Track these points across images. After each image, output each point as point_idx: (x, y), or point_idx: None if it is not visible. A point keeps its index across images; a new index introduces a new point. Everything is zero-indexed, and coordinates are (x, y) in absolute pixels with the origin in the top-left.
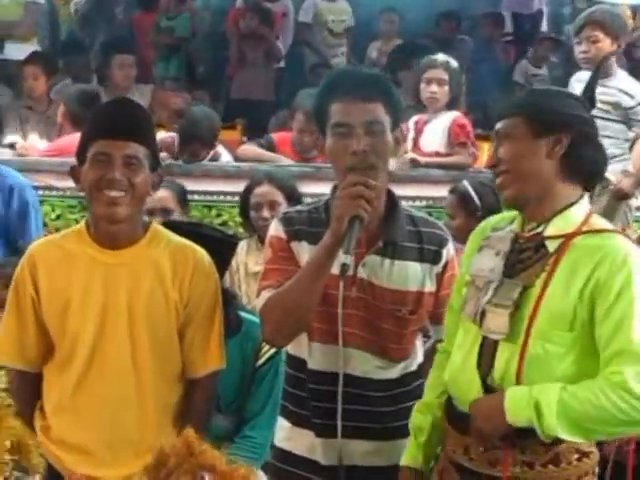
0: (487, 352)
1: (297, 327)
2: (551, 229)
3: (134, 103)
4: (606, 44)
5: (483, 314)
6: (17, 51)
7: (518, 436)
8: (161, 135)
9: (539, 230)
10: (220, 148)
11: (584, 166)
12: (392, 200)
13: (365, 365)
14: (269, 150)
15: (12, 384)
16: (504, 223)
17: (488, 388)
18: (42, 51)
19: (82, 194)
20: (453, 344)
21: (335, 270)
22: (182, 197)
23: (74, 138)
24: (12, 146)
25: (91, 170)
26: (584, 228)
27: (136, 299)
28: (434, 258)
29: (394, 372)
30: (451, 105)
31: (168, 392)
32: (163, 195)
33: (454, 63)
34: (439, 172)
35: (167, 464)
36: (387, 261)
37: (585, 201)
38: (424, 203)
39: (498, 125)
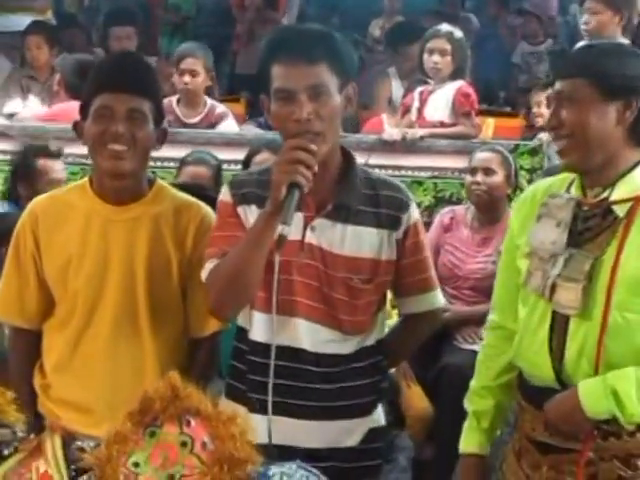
0: (559, 328)
1: (241, 298)
2: (618, 193)
3: (137, 57)
4: (606, 16)
5: (553, 288)
6: None
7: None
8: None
9: (605, 195)
10: (225, 110)
11: None
12: (348, 161)
13: (315, 338)
14: (268, 128)
15: (10, 342)
16: (557, 188)
17: (558, 368)
18: (44, 21)
19: (84, 160)
20: (508, 318)
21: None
22: (217, 174)
23: (68, 106)
24: (12, 116)
25: (94, 124)
26: None
27: (135, 256)
28: (393, 223)
29: (348, 346)
30: (455, 75)
31: (168, 351)
32: (197, 171)
33: (458, 33)
34: (444, 142)
35: (152, 408)
36: (339, 225)
37: None
38: (429, 173)
39: (558, 85)
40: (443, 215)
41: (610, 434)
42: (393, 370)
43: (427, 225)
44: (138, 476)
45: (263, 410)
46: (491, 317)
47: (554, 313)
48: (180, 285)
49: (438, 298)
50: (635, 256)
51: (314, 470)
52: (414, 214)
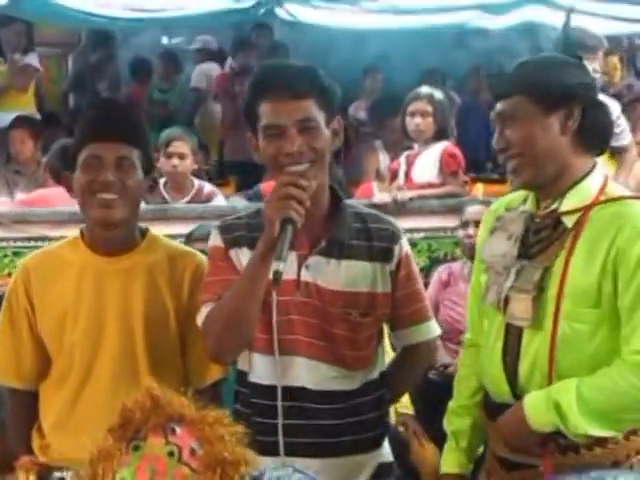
0: (513, 341)
1: (240, 340)
2: (567, 204)
3: (124, 105)
4: None
5: (506, 300)
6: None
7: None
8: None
9: (554, 206)
10: (214, 188)
11: (597, 134)
12: (337, 197)
13: (317, 375)
14: (257, 200)
15: (7, 405)
16: (517, 203)
17: (513, 382)
18: (26, 115)
19: None
20: (481, 336)
21: None
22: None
23: (50, 192)
24: None
25: (82, 174)
26: (601, 197)
27: (131, 307)
28: (385, 256)
29: (354, 382)
30: (439, 136)
31: None
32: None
33: (439, 95)
34: (434, 202)
35: (133, 420)
36: (333, 261)
37: (599, 168)
38: (422, 235)
39: (499, 106)
40: (440, 272)
41: (568, 448)
42: (400, 427)
43: (424, 286)
44: None
45: (273, 452)
46: (466, 336)
47: (508, 326)
48: (178, 335)
49: (434, 328)
50: (581, 267)
51: (311, 474)
52: (405, 246)
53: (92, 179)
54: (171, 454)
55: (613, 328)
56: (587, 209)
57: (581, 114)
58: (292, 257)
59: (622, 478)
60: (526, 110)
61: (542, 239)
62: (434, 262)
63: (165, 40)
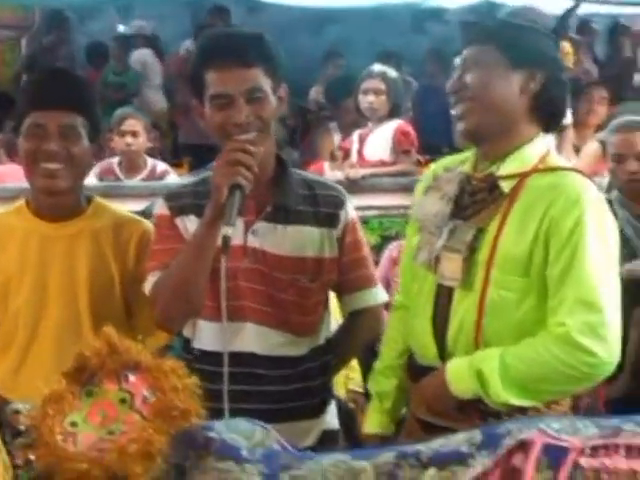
0: (443, 302)
1: (188, 307)
2: (505, 168)
3: (69, 72)
4: None
5: (437, 260)
6: None
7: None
8: (102, 163)
9: (493, 170)
10: (167, 167)
11: (551, 108)
12: (282, 164)
13: (266, 341)
14: None
15: None
16: (455, 164)
17: (440, 344)
18: None
19: None
20: (410, 297)
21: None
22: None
23: (7, 167)
24: None
25: (26, 142)
26: (540, 166)
27: (76, 272)
28: (331, 221)
29: (301, 348)
30: (392, 114)
31: None
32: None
33: (392, 73)
34: (387, 181)
35: (88, 365)
36: (280, 227)
37: (542, 140)
38: (375, 212)
39: (466, 52)
40: (391, 249)
41: (489, 414)
42: (351, 404)
43: (375, 263)
44: (76, 435)
45: (218, 418)
46: (396, 297)
47: (439, 287)
48: (123, 300)
49: (380, 294)
50: (514, 234)
51: (264, 425)
52: (351, 212)
53: (35, 148)
54: (123, 401)
55: (540, 298)
56: (524, 176)
57: (543, 83)
58: (239, 223)
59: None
60: (491, 58)
61: (477, 201)
62: (386, 240)
63: (121, 28)
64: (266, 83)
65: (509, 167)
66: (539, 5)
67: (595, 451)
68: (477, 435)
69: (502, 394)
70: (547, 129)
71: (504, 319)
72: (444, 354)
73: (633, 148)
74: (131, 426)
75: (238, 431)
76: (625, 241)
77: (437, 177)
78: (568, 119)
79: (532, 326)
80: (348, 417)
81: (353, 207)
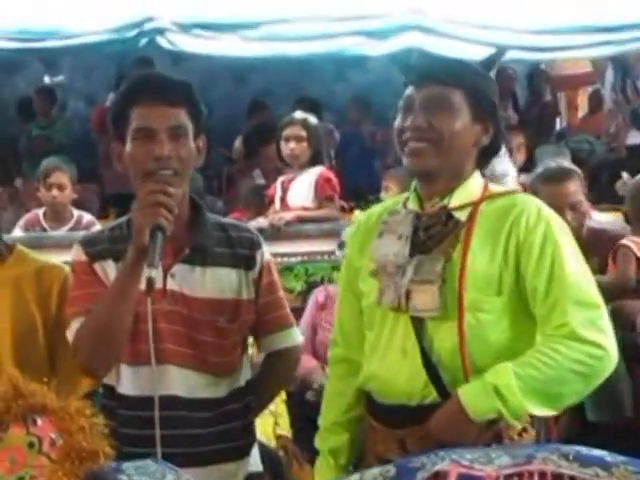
0: (419, 335)
1: (112, 352)
2: (456, 200)
3: None
4: None
5: (407, 295)
6: None
7: None
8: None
9: (444, 203)
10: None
11: (492, 154)
12: (196, 207)
13: (188, 383)
14: None
15: None
16: (395, 206)
17: (431, 378)
18: None
19: None
20: (353, 350)
21: (143, 285)
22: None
23: None
24: None
25: None
26: (487, 194)
27: None
28: (248, 263)
29: (221, 389)
30: (314, 161)
31: None
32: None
33: (312, 120)
34: (311, 227)
35: None
36: (198, 269)
37: (479, 174)
38: (299, 259)
39: (431, 89)
40: (317, 294)
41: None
42: (280, 452)
43: (301, 310)
44: None
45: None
46: (334, 351)
47: (414, 321)
48: (47, 348)
49: (296, 335)
50: (480, 256)
51: (174, 467)
52: (266, 253)
53: None
54: (31, 445)
55: (516, 317)
56: (476, 204)
57: (491, 137)
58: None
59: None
60: (461, 106)
61: (434, 235)
62: (311, 286)
63: (47, 79)
64: (188, 125)
65: (459, 199)
66: (458, 53)
67: (509, 479)
68: (391, 469)
69: (523, 405)
70: (482, 166)
71: (485, 341)
72: (438, 386)
73: (567, 199)
74: (40, 470)
75: (148, 473)
76: None
77: (385, 221)
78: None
79: (511, 346)
80: (273, 461)
81: (270, 250)
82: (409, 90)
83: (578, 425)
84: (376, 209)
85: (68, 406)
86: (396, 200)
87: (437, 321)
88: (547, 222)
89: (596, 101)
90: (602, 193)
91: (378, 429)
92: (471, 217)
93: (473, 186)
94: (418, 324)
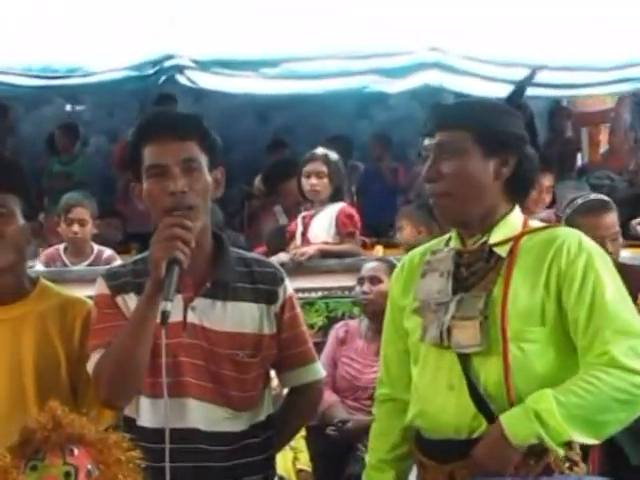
0: (465, 370)
1: (131, 384)
2: (496, 236)
3: (4, 156)
4: None
5: (449, 332)
6: None
7: None
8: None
9: (484, 239)
10: (112, 253)
11: (524, 184)
12: (219, 241)
13: (208, 417)
14: None
15: None
16: (436, 246)
17: (479, 410)
18: None
19: None
20: (400, 389)
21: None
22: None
23: None
24: None
25: None
26: (527, 229)
27: (22, 355)
28: (270, 297)
29: (240, 423)
30: (335, 197)
31: None
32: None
33: (334, 156)
34: (332, 262)
35: (33, 439)
36: (219, 303)
37: (518, 209)
38: (320, 294)
39: (440, 136)
40: (337, 329)
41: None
42: (294, 476)
43: (321, 345)
44: None
45: None
46: (380, 391)
47: (458, 357)
48: (70, 382)
49: (319, 369)
50: (522, 289)
51: None
52: (289, 288)
53: None
54: (67, 475)
55: (560, 347)
56: (516, 239)
57: (514, 166)
58: (178, 299)
59: None
60: (468, 147)
61: (476, 271)
62: (332, 321)
63: (68, 107)
64: (201, 157)
65: (499, 235)
66: (477, 91)
67: None
68: None
69: (564, 431)
70: (521, 201)
71: (530, 372)
72: (488, 417)
73: (608, 230)
74: None
75: None
76: None
77: (428, 261)
78: None
79: (557, 376)
80: None
81: (291, 285)
82: (425, 141)
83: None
84: (419, 250)
85: (106, 438)
86: (439, 240)
87: (482, 355)
88: (588, 253)
89: (616, 138)
90: (622, 229)
91: (427, 465)
92: (512, 252)
93: (513, 222)
94: (464, 359)
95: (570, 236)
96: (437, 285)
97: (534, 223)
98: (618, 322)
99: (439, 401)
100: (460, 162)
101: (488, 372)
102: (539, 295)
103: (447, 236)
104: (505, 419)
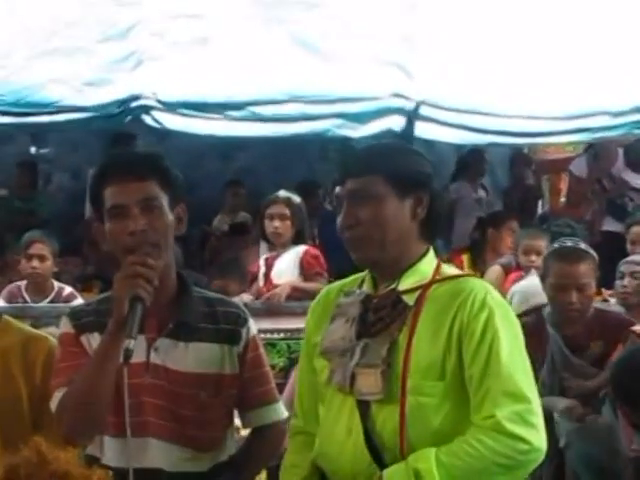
0: (363, 417)
1: (94, 422)
2: (405, 284)
3: None
4: None
5: (352, 378)
6: None
7: None
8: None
9: (393, 286)
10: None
11: (437, 223)
12: (183, 282)
13: (170, 457)
14: None
15: None
16: (350, 286)
17: (377, 457)
18: None
19: None
20: (311, 423)
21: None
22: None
23: None
24: None
25: None
26: (437, 277)
27: None
28: (233, 338)
29: (204, 464)
30: (297, 239)
31: None
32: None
33: (296, 199)
34: (295, 304)
35: (17, 475)
36: (181, 344)
37: (432, 253)
38: (281, 335)
39: (351, 184)
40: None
41: None
42: None
43: (283, 385)
44: None
45: None
46: (293, 423)
47: (359, 404)
48: (32, 419)
49: (281, 410)
50: (425, 340)
51: None
52: (252, 328)
53: None
54: None
55: (457, 401)
56: (425, 288)
57: (429, 205)
58: (141, 340)
59: None
60: (381, 190)
61: (382, 317)
62: (293, 362)
63: (33, 150)
64: (161, 196)
65: (408, 282)
66: (440, 137)
67: None
68: None
69: None
70: (432, 241)
71: (425, 425)
72: (381, 467)
73: (576, 279)
74: None
75: None
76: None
77: (339, 304)
78: None
79: (452, 430)
80: None
81: (254, 325)
82: (337, 189)
83: None
84: (335, 286)
85: (91, 475)
86: (354, 278)
87: (381, 404)
88: (491, 309)
89: (575, 187)
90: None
91: None
92: (419, 301)
93: (424, 268)
94: (363, 406)
95: (477, 289)
96: (341, 332)
97: (446, 269)
98: (509, 384)
99: (338, 445)
100: (377, 206)
101: (385, 421)
102: (441, 347)
103: (362, 277)
104: (387, 473)
